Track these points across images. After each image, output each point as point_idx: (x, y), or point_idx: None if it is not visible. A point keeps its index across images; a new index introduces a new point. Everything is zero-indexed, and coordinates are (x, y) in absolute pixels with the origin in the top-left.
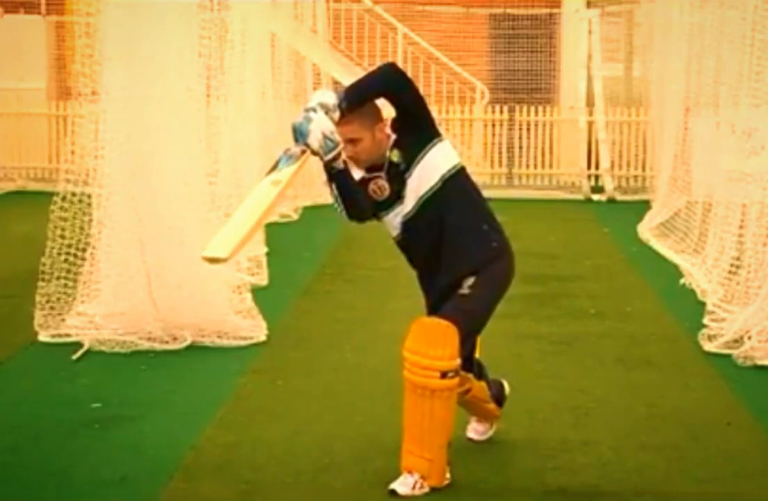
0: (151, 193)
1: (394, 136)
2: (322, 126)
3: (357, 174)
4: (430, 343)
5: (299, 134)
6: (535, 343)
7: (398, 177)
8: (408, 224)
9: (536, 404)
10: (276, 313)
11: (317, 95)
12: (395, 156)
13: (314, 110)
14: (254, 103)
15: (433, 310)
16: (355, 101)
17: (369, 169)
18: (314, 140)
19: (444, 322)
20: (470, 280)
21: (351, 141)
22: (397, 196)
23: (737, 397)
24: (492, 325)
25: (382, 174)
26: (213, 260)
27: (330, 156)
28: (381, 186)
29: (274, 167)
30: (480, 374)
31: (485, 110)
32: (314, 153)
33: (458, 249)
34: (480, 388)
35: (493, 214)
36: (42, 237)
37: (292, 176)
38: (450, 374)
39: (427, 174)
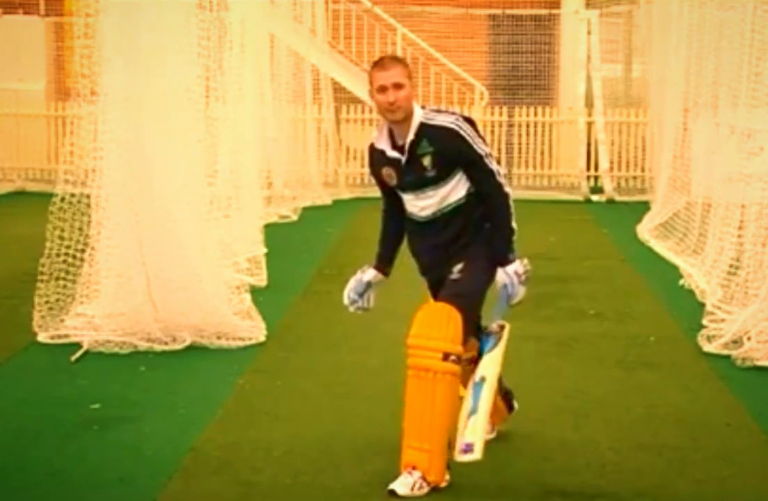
0: (150, 193)
1: (420, 111)
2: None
3: (384, 145)
4: (433, 325)
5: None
6: (534, 344)
7: (416, 171)
8: (421, 214)
9: (536, 405)
10: (275, 313)
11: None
12: (426, 158)
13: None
14: (253, 103)
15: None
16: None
17: (394, 146)
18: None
19: (447, 306)
20: (459, 266)
21: (396, 86)
22: (406, 188)
23: (736, 397)
24: None
25: (402, 158)
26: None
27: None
28: (389, 174)
29: None
30: None
31: (484, 111)
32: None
33: (463, 243)
34: None
35: None
36: (41, 238)
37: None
38: (452, 357)
39: (458, 188)
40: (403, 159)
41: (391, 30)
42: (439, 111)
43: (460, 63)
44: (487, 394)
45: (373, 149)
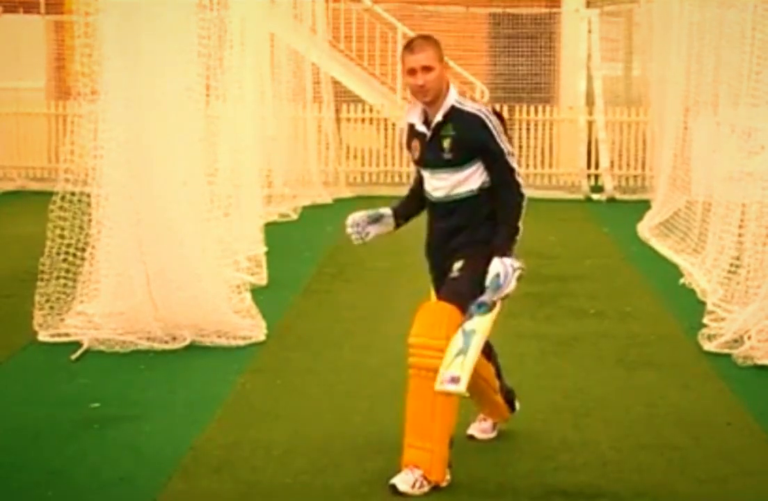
0: (151, 192)
1: (455, 95)
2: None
3: (414, 118)
4: (434, 324)
5: (501, 286)
6: (535, 343)
7: (436, 151)
8: (434, 194)
9: (536, 404)
10: (275, 312)
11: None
12: (446, 141)
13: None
14: (253, 102)
15: (437, 291)
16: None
17: (425, 121)
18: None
19: (447, 305)
20: (459, 263)
21: (425, 69)
22: (425, 165)
23: (737, 396)
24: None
25: (427, 133)
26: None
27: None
28: (415, 147)
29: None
30: (488, 355)
31: None
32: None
33: (464, 238)
34: (486, 367)
35: None
36: (41, 237)
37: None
38: None
39: (472, 179)
40: (428, 135)
41: (392, 29)
42: (473, 100)
43: (461, 61)
44: (477, 345)
45: (406, 122)
